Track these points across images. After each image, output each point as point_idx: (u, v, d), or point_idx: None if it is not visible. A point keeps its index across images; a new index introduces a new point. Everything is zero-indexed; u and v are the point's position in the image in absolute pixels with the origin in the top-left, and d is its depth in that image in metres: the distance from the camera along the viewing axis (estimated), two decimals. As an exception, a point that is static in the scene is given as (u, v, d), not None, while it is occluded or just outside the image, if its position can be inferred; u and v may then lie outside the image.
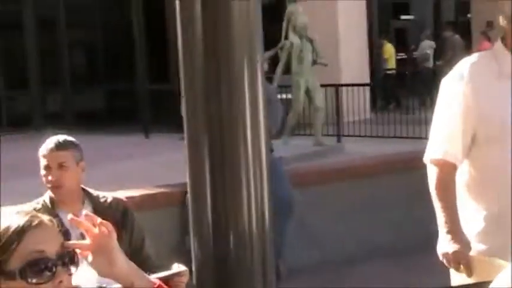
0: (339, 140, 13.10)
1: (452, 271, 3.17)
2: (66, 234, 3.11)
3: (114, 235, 1.99)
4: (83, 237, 3.55)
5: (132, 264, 1.99)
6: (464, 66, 3.23)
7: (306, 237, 6.66)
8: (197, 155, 3.00)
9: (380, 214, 6.84)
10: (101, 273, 1.97)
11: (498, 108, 3.13)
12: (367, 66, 17.40)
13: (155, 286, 1.98)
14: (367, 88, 15.52)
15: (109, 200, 3.69)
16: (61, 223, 3.31)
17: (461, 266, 3.10)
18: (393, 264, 6.39)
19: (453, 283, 3.20)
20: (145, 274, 2.03)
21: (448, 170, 3.22)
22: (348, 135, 13.25)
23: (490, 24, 18.42)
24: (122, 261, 1.95)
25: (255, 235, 3.01)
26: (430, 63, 18.84)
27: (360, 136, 13.23)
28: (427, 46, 19.12)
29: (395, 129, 12.79)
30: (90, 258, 1.94)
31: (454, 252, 3.11)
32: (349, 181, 6.97)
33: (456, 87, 3.20)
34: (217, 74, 2.92)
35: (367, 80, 16.77)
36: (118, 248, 1.97)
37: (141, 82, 17.41)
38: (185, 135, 3.05)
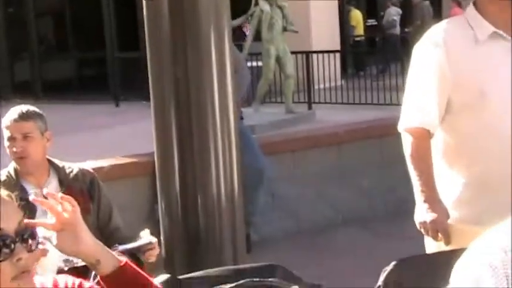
0: (310, 108, 13.06)
1: (427, 239, 3.15)
2: (31, 208, 3.06)
3: (78, 211, 1.93)
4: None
5: (98, 241, 1.95)
6: (437, 32, 3.16)
7: (277, 206, 6.64)
8: (164, 123, 2.94)
9: (351, 181, 6.84)
10: (66, 252, 1.92)
11: (475, 74, 3.09)
12: (338, 33, 17.33)
13: (121, 264, 1.93)
14: (338, 55, 15.47)
15: (75, 171, 3.63)
16: (25, 195, 3.27)
17: (439, 234, 3.08)
18: (365, 231, 6.40)
19: (428, 251, 3.18)
20: (112, 252, 1.98)
21: (423, 139, 3.18)
22: (319, 102, 13.22)
23: (460, -10, 18.44)
24: (88, 239, 1.90)
25: (224, 204, 2.97)
26: (397, 30, 18.78)
27: (330, 103, 13.21)
28: (394, 13, 19.05)
29: (366, 96, 12.78)
30: (54, 236, 1.89)
31: (432, 221, 3.07)
32: (320, 149, 6.95)
33: (431, 55, 3.14)
34: (183, 39, 2.86)
35: (338, 47, 16.71)
36: (83, 224, 1.92)
37: (110, 50, 17.25)
38: (151, 101, 2.99)
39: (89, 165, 3.94)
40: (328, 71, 13.63)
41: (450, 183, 3.20)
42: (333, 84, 13.81)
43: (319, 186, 6.80)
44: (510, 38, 3.05)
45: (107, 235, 3.51)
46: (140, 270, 2.00)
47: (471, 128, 3.14)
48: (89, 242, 1.90)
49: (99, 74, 17.60)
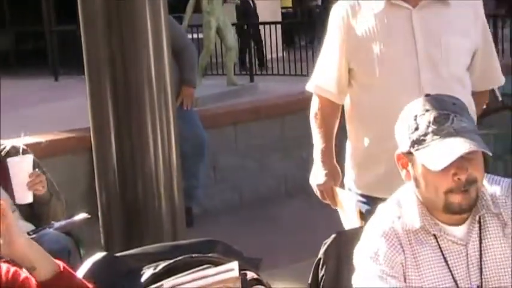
0: (252, 80, 13.03)
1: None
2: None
3: (9, 214, 1.86)
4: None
5: (35, 245, 1.88)
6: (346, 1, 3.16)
7: (220, 179, 6.61)
8: (99, 97, 2.87)
9: (293, 153, 6.83)
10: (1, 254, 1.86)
11: (368, 44, 3.09)
12: (279, 4, 17.29)
13: (59, 270, 1.87)
14: (279, 26, 15.44)
15: (8, 148, 3.54)
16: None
17: (327, 197, 3.19)
18: (308, 203, 6.40)
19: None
20: (49, 256, 1.91)
21: (324, 102, 3.21)
22: (261, 74, 13.18)
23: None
24: (21, 241, 1.83)
25: (162, 179, 2.92)
26: (319, 1, 18.87)
27: (272, 75, 13.18)
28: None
29: (307, 67, 12.79)
30: None
31: (320, 184, 3.20)
32: (262, 121, 6.93)
33: (335, 21, 3.16)
34: (117, 10, 2.79)
35: (279, 18, 16.67)
36: (16, 226, 1.85)
37: (47, 23, 16.95)
38: (86, 75, 2.91)
39: (26, 140, 3.84)
40: (269, 42, 13.59)
41: (349, 150, 3.28)
42: (274, 55, 13.78)
43: (262, 159, 6.78)
44: (408, 6, 3.04)
45: (40, 213, 3.45)
46: (76, 274, 1.95)
47: (362, 98, 3.17)
48: (23, 246, 1.83)
49: (37, 48, 17.29)
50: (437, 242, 2.22)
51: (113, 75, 2.85)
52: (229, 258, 2.28)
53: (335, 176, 3.20)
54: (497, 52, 3.71)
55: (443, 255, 2.22)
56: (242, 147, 6.75)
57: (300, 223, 5.89)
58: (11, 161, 3.34)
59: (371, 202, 3.11)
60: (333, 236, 2.60)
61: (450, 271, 2.21)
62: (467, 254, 2.23)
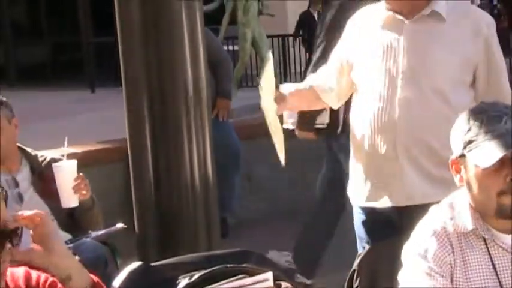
0: (286, 91, 13.06)
1: None
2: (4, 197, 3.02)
3: (50, 222, 1.88)
4: (20, 198, 3.47)
5: (72, 256, 1.90)
6: (360, 12, 3.37)
7: (254, 190, 6.63)
8: (136, 108, 2.91)
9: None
10: (38, 262, 1.86)
11: (366, 55, 3.25)
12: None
13: (93, 282, 1.89)
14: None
15: (48, 159, 3.60)
16: (-4, 182, 3.23)
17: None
18: (344, 212, 6.39)
19: None
20: (85, 269, 1.93)
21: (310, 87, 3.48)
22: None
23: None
24: (60, 250, 1.85)
25: (198, 190, 2.95)
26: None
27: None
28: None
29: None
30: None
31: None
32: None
33: (346, 28, 3.40)
34: (155, 21, 2.82)
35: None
36: (57, 236, 1.87)
37: (85, 35, 17.10)
38: (123, 86, 2.95)
39: (63, 151, 3.89)
40: (304, 54, 13.62)
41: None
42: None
43: (297, 170, 6.78)
44: (402, 18, 3.14)
45: (80, 220, 3.50)
46: None
47: (358, 109, 3.34)
48: (61, 255, 1.85)
49: (74, 59, 17.45)
50: (487, 247, 2.22)
51: (150, 87, 2.89)
52: (263, 268, 2.30)
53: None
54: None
55: (491, 260, 2.22)
56: (276, 158, 6.76)
57: (335, 234, 5.88)
58: (57, 166, 3.41)
59: (364, 212, 3.36)
60: (368, 248, 2.61)
61: (497, 277, 2.21)
62: None
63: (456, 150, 2.27)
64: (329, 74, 3.42)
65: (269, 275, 2.25)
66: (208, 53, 3.04)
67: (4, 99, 3.58)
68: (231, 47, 12.19)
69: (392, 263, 2.35)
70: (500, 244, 2.22)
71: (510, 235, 2.23)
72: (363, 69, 3.27)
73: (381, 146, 3.24)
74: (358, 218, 3.44)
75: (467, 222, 2.24)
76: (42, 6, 18.40)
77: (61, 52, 18.50)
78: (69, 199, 3.38)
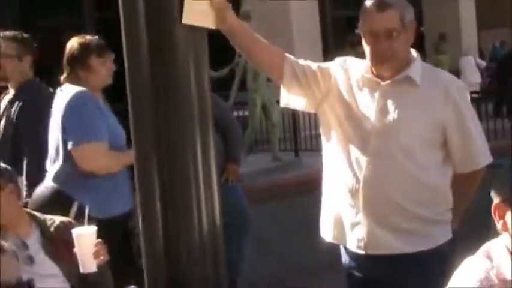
0: (296, 155, 13.11)
1: None
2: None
3: None
4: (30, 260, 3.53)
5: None
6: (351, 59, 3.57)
7: (264, 252, 6.66)
8: (146, 175, 2.98)
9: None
10: None
11: (341, 106, 3.43)
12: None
13: None
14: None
15: (57, 222, 3.68)
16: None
17: None
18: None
19: None
20: None
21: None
22: (306, 150, 13.29)
23: (442, 36, 18.65)
24: None
25: (208, 254, 3.00)
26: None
27: (317, 150, 13.26)
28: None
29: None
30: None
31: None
32: (306, 195, 6.99)
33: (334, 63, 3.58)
34: (164, 88, 2.91)
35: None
36: None
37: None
38: (134, 153, 3.03)
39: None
40: (314, 118, 13.69)
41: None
42: (319, 131, 13.87)
43: (307, 232, 6.81)
44: (378, 80, 3.29)
45: (91, 283, 3.54)
46: None
47: (325, 153, 3.61)
48: None
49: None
50: None
51: (159, 153, 2.96)
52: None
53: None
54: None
55: None
56: (286, 221, 6.80)
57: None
58: (78, 232, 3.46)
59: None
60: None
61: None
62: None
63: (503, 193, 2.28)
64: (308, 66, 3.53)
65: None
66: (217, 119, 3.13)
67: (1, 165, 3.65)
68: (241, 113, 12.30)
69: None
70: None
71: None
72: (337, 121, 3.44)
73: (348, 198, 3.38)
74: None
75: (507, 272, 2.24)
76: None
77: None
78: (89, 264, 3.44)
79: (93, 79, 4.58)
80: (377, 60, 3.31)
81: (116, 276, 3.91)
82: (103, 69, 4.54)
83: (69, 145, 4.38)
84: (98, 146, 4.36)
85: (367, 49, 3.34)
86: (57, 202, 4.42)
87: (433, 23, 20.07)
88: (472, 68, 18.55)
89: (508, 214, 2.25)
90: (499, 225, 2.30)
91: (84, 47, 4.51)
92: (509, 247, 2.26)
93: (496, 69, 19.20)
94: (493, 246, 2.32)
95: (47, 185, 4.50)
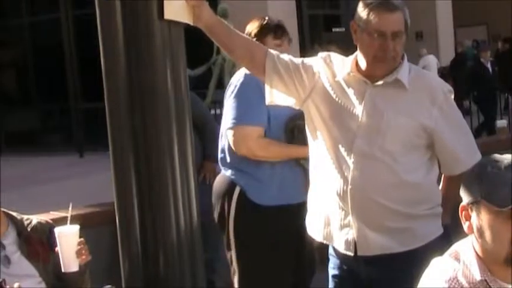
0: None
1: None
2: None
3: None
4: (7, 260, 3.50)
5: None
6: (336, 56, 3.54)
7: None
8: (123, 172, 2.97)
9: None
10: None
11: (328, 102, 3.43)
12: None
13: None
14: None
15: (34, 222, 3.66)
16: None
17: None
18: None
19: None
20: None
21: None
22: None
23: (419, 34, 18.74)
24: None
25: (185, 253, 2.99)
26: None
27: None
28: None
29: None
30: None
31: None
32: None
33: (316, 57, 3.56)
34: (140, 86, 2.90)
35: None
36: None
37: (73, 101, 17.23)
38: (110, 150, 3.01)
39: (51, 215, 3.94)
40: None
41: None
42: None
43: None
44: (367, 80, 3.30)
45: (69, 283, 3.52)
46: None
47: (311, 149, 3.54)
48: None
49: (63, 125, 17.55)
50: None
51: (136, 152, 2.95)
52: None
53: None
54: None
55: None
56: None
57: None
58: (60, 231, 3.43)
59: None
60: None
61: None
62: None
63: (469, 196, 2.30)
64: (292, 61, 3.51)
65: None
66: (193, 117, 3.11)
67: None
68: (218, 111, 12.29)
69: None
70: None
71: None
72: (321, 119, 3.43)
73: (336, 199, 3.38)
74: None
75: (475, 273, 2.26)
76: (31, 74, 18.54)
77: (50, 118, 18.59)
78: (71, 263, 3.41)
79: None
80: (378, 59, 3.29)
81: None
82: (277, 51, 4.38)
83: (225, 126, 4.35)
84: (251, 129, 4.28)
85: (366, 47, 3.32)
86: (223, 186, 4.47)
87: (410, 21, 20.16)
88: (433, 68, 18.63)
89: (473, 216, 2.27)
90: (465, 226, 2.32)
91: (262, 27, 4.44)
92: (476, 248, 2.27)
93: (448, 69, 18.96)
94: (461, 247, 2.33)
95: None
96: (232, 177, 4.42)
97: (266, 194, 4.26)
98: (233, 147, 4.31)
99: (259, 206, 4.19)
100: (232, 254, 4.49)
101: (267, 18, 4.55)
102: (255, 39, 4.31)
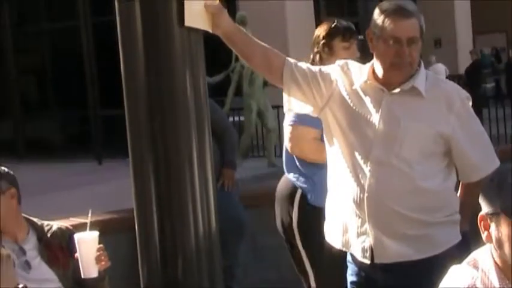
0: (292, 160, 13.09)
1: None
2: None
3: None
4: (27, 265, 3.52)
5: None
6: (351, 63, 3.54)
7: (259, 258, 6.64)
8: (142, 178, 2.98)
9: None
10: None
11: (343, 110, 3.42)
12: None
13: None
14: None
15: (54, 228, 3.68)
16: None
17: None
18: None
19: None
20: None
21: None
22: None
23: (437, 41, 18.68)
24: None
25: (203, 258, 2.99)
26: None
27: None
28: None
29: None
30: None
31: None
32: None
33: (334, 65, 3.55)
34: (159, 93, 2.91)
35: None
36: None
37: (92, 108, 17.29)
38: (130, 157, 3.02)
39: (71, 221, 3.97)
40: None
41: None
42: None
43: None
44: (383, 88, 3.28)
45: None
46: None
47: (333, 152, 3.51)
48: None
49: (82, 132, 17.61)
50: None
51: (156, 159, 2.95)
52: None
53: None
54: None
55: None
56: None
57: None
58: (80, 237, 3.44)
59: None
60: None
61: None
62: None
63: (488, 206, 2.29)
64: (310, 69, 3.49)
65: None
66: (212, 124, 3.12)
67: (3, 169, 3.62)
68: (236, 118, 12.29)
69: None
70: None
71: None
72: (339, 127, 3.43)
73: (353, 207, 3.37)
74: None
75: (494, 280, 2.25)
76: (50, 81, 18.61)
77: (69, 125, 18.65)
78: (90, 269, 3.43)
79: (333, 62, 4.52)
80: (395, 66, 3.29)
81: None
82: (344, 53, 4.41)
83: (285, 123, 4.40)
84: (307, 130, 4.28)
85: (382, 54, 3.32)
86: (285, 190, 4.57)
87: (428, 28, 20.13)
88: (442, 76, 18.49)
89: (493, 226, 2.26)
90: (483, 235, 2.31)
91: (330, 30, 4.48)
92: (495, 257, 2.26)
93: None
94: (480, 255, 2.32)
95: None
96: (293, 179, 4.45)
97: (322, 196, 4.27)
98: (288, 146, 4.36)
99: (317, 208, 4.18)
100: (303, 256, 4.64)
101: (336, 21, 4.58)
102: (323, 41, 4.37)
